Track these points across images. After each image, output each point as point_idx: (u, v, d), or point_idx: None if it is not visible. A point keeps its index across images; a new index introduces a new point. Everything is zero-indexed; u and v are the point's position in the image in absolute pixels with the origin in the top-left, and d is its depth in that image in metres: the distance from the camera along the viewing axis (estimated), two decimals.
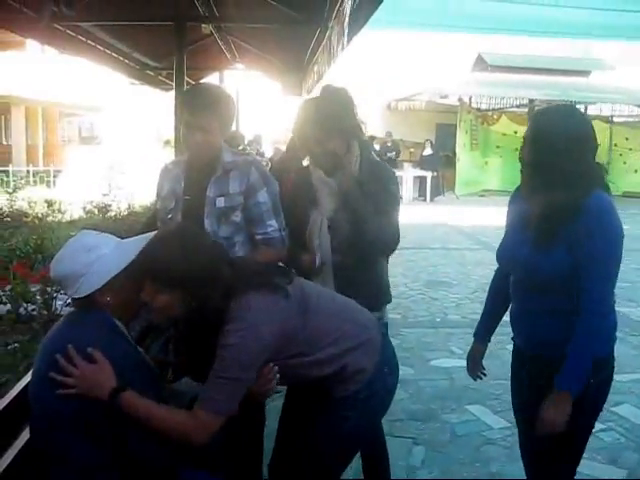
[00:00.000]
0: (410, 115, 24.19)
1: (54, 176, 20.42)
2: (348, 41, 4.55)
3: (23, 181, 18.55)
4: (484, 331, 3.08)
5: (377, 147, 20.70)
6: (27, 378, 2.49)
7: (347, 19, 4.21)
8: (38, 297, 6.25)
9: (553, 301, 2.58)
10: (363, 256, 3.11)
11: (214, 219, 3.11)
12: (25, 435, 2.36)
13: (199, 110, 3.03)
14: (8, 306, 6.27)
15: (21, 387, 2.47)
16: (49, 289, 6.23)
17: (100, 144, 23.12)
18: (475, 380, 3.14)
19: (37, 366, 2.28)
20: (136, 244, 2.37)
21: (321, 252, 3.12)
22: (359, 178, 3.08)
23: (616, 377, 5.63)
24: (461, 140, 22.81)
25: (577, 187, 2.46)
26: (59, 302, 6.24)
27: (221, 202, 3.11)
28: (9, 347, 4.73)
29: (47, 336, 2.36)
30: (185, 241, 2.30)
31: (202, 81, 9.50)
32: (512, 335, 2.84)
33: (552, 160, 2.46)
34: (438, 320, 7.23)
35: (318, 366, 2.48)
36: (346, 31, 4.41)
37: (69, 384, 2.13)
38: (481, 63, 25.51)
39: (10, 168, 19.73)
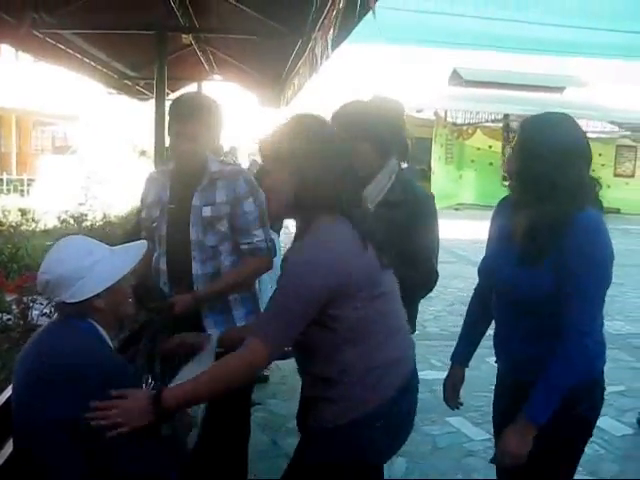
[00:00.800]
0: None
1: (27, 185, 20.21)
2: (332, 52, 4.56)
3: None
4: (463, 355, 2.89)
5: None
6: (8, 391, 2.42)
7: (332, 31, 4.22)
8: (14, 307, 6.17)
9: (536, 322, 2.41)
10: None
11: (200, 228, 3.10)
12: (7, 449, 2.31)
13: (187, 119, 3.03)
14: None
15: (3, 400, 2.40)
16: (25, 299, 6.16)
17: (74, 153, 22.90)
18: (453, 410, 2.94)
19: (23, 379, 2.19)
20: (131, 251, 2.35)
21: None
22: (389, 200, 2.84)
23: None
24: (436, 154, 22.97)
25: (566, 201, 2.31)
26: (35, 312, 6.18)
27: (207, 211, 3.10)
28: None
29: (29, 347, 2.26)
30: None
31: (183, 91, 9.49)
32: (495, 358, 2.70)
33: (539, 171, 2.33)
34: (417, 333, 7.19)
35: (347, 352, 2.21)
36: (329, 43, 4.42)
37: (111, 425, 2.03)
38: (456, 78, 25.71)
39: None
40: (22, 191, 19.45)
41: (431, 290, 2.98)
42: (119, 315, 2.36)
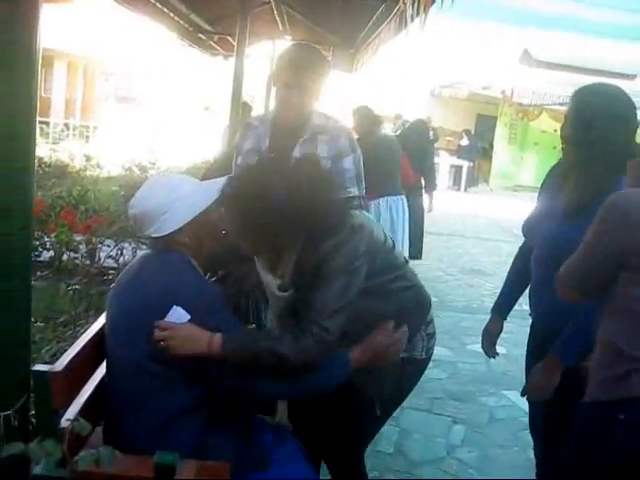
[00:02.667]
0: (452, 103, 24.01)
1: (91, 131, 20.50)
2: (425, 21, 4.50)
3: (64, 134, 18.66)
4: (503, 307, 3.03)
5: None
6: (97, 324, 2.47)
7: None
8: (82, 247, 6.32)
9: None
10: None
11: None
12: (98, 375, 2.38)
13: (301, 69, 2.99)
14: (51, 252, 6.35)
15: (94, 332, 2.45)
16: (94, 239, 6.31)
17: (139, 104, 23.15)
18: (489, 358, 3.11)
19: (120, 311, 2.25)
20: (217, 185, 2.36)
21: None
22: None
23: None
24: (500, 133, 22.66)
25: (613, 165, 2.41)
26: (102, 253, 6.32)
27: None
28: (69, 289, 4.78)
29: (123, 280, 2.33)
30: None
31: (256, 49, 9.48)
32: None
33: (591, 136, 2.45)
34: (475, 306, 7.24)
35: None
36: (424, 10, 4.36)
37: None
38: (527, 58, 25.19)
39: (51, 119, 19.86)
40: (87, 137, 19.74)
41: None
42: (204, 251, 2.38)
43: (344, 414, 2.57)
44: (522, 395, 2.69)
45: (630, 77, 25.53)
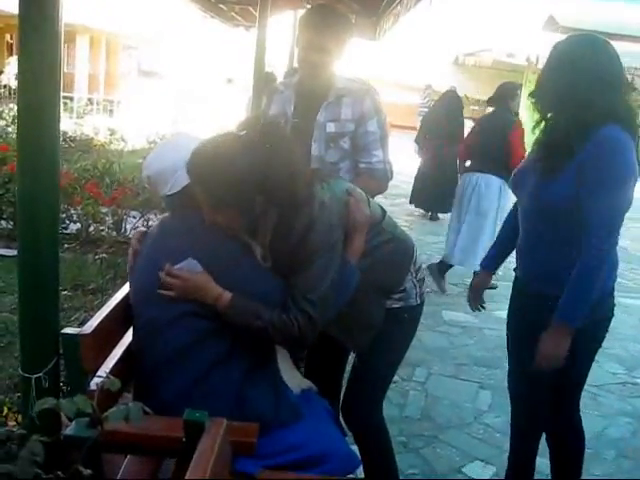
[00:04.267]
0: (476, 72, 23.77)
1: (115, 106, 20.57)
2: None
3: (88, 108, 18.73)
4: (492, 261, 3.05)
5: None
6: (124, 289, 2.50)
7: None
8: (108, 218, 6.38)
9: (555, 232, 2.52)
10: None
11: (322, 143, 3.08)
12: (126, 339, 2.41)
13: (321, 29, 2.96)
14: (78, 225, 6.42)
15: (122, 297, 2.47)
16: (120, 211, 6.36)
17: (161, 78, 23.17)
18: (473, 311, 3.14)
19: (147, 272, 2.26)
20: None
21: None
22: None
23: None
24: (525, 101, 22.41)
25: (587, 117, 2.39)
26: (128, 225, 6.38)
27: (331, 127, 3.07)
28: (96, 257, 4.84)
29: (145, 244, 2.34)
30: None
31: (278, 18, 9.43)
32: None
33: (562, 88, 2.44)
34: (500, 273, 7.18)
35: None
36: None
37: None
38: (552, 23, 24.84)
39: (75, 95, 19.93)
40: (111, 111, 19.80)
41: None
42: None
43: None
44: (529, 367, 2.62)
45: None
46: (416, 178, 10.40)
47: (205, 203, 2.19)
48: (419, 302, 2.64)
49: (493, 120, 6.64)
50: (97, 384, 1.75)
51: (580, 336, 2.48)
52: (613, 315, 2.68)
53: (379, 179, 3.14)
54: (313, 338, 2.26)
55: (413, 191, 10.47)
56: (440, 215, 10.38)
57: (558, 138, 2.47)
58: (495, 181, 6.44)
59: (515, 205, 2.93)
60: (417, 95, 22.06)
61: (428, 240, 8.83)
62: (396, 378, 4.38)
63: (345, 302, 2.33)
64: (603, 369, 5.03)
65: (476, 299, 3.08)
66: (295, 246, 2.23)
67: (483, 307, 3.10)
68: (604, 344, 5.28)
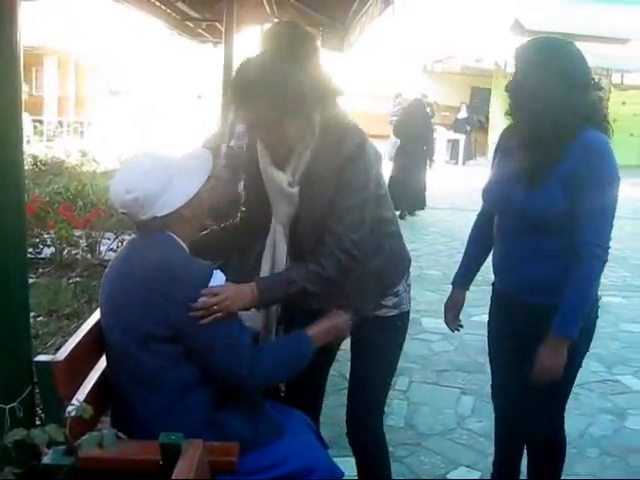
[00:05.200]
0: (445, 78, 23.95)
1: (86, 127, 20.48)
2: None
3: (58, 130, 18.64)
4: (465, 277, 2.97)
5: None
6: (97, 313, 2.46)
7: None
8: (82, 241, 6.33)
9: (546, 242, 2.48)
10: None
11: None
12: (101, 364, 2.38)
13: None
14: (52, 249, 6.36)
15: (95, 321, 2.44)
16: (94, 233, 6.32)
17: (131, 96, 23.05)
18: (453, 332, 3.08)
19: (124, 295, 2.20)
20: (201, 158, 2.35)
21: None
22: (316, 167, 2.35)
23: None
24: (495, 105, 22.56)
25: (564, 123, 2.39)
26: (103, 247, 6.34)
27: None
28: (70, 282, 4.80)
29: (114, 268, 2.30)
30: None
31: (246, 34, 9.42)
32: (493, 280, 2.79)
33: (534, 96, 2.42)
34: (479, 279, 7.22)
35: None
36: None
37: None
38: (518, 27, 25.07)
39: (44, 117, 19.82)
40: (81, 133, 19.71)
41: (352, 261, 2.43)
42: (199, 224, 2.40)
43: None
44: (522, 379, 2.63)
45: (622, 41, 25.46)
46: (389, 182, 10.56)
47: (262, 118, 2.22)
48: (409, 308, 2.65)
49: None
50: (68, 412, 1.73)
51: (574, 344, 2.47)
52: (598, 316, 2.69)
53: None
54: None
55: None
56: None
57: (540, 146, 2.44)
58: None
59: (480, 216, 2.90)
60: (388, 104, 22.15)
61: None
62: None
63: (298, 372, 2.34)
64: (583, 368, 5.01)
65: (454, 319, 3.01)
66: (342, 167, 2.26)
67: (461, 327, 3.04)
68: None
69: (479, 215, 2.92)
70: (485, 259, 2.92)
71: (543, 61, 2.43)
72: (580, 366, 2.71)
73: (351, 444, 2.79)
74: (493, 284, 2.83)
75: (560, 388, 2.67)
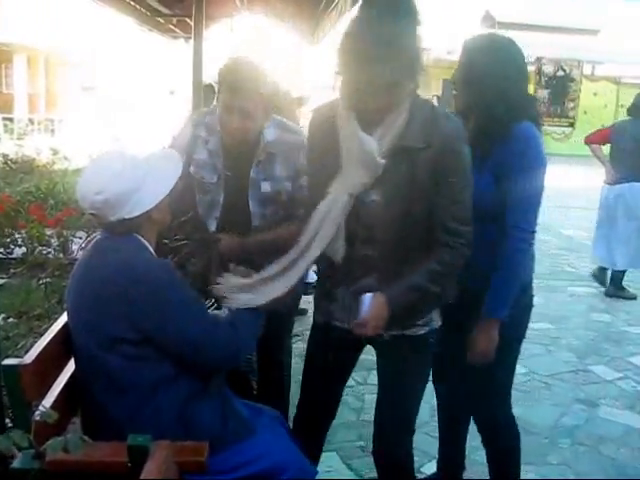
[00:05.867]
0: None
1: (57, 124, 20.28)
2: None
3: (29, 128, 18.45)
4: None
5: None
6: (65, 315, 2.45)
7: None
8: (53, 240, 6.27)
9: (487, 230, 2.47)
10: (410, 250, 2.31)
11: (260, 201, 2.94)
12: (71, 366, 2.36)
13: (242, 91, 2.75)
14: (23, 249, 6.30)
15: (63, 322, 2.42)
16: (65, 232, 6.25)
17: (103, 93, 22.92)
18: None
19: (87, 296, 2.19)
20: (170, 160, 2.33)
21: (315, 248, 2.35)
22: (407, 140, 2.21)
23: (630, 329, 5.86)
24: None
25: (499, 115, 2.49)
26: (75, 246, 6.28)
27: (267, 186, 2.90)
28: (40, 283, 4.76)
29: (79, 269, 2.27)
30: None
31: (217, 28, 9.38)
32: None
33: (470, 87, 2.55)
34: None
35: None
36: None
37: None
38: (489, 19, 25.23)
39: (14, 116, 19.61)
40: (52, 130, 19.51)
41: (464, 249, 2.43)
42: (163, 225, 2.37)
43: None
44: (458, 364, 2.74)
45: (593, 33, 25.71)
46: None
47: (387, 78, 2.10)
48: (439, 323, 2.50)
49: (635, 129, 6.79)
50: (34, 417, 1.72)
51: (505, 328, 2.53)
52: (533, 306, 2.76)
53: None
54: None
55: None
56: None
57: (476, 136, 2.49)
58: None
59: None
60: None
61: None
62: (352, 382, 4.40)
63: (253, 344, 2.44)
64: (555, 358, 5.12)
65: None
66: (429, 159, 2.21)
67: None
68: (556, 334, 5.39)
69: None
70: None
71: (483, 56, 2.54)
72: (518, 353, 2.77)
73: (379, 463, 2.65)
74: None
75: (497, 374, 2.71)
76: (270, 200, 2.94)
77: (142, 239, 2.24)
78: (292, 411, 3.40)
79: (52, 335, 2.28)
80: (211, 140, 2.96)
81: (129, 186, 2.16)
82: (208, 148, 2.95)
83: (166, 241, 2.83)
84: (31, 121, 20.43)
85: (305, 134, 2.81)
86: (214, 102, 8.46)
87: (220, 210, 2.98)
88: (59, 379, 2.28)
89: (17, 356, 2.90)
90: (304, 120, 7.73)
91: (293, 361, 3.76)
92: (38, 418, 1.62)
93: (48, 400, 2.12)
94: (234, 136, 2.83)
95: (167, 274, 2.18)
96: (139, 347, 2.13)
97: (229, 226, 2.93)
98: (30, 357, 2.07)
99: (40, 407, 1.81)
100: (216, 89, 8.74)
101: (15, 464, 1.83)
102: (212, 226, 3.00)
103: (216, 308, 2.58)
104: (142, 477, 1.46)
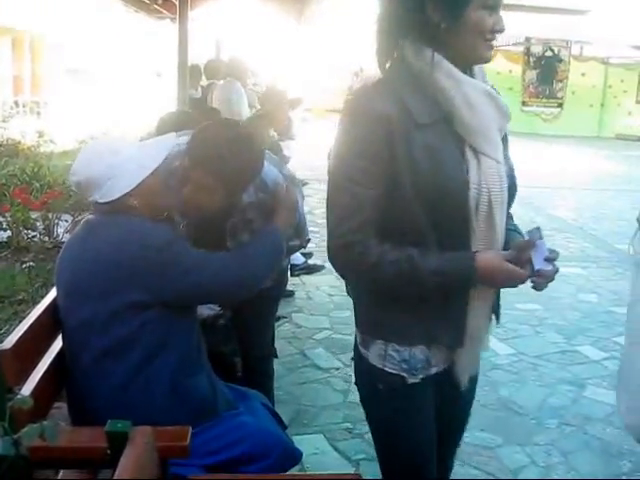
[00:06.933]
0: None
1: (42, 107, 20.11)
2: None
3: (14, 111, 18.27)
4: None
5: None
6: (48, 298, 2.42)
7: None
8: (39, 224, 6.22)
9: None
10: None
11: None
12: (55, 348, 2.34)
13: (203, 166, 2.46)
14: (8, 232, 6.24)
15: (45, 306, 2.40)
16: (50, 215, 6.20)
17: (89, 75, 22.72)
18: None
19: (82, 273, 2.18)
20: (160, 146, 2.32)
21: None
22: None
23: (617, 309, 5.84)
24: None
25: None
26: (60, 229, 6.23)
27: (246, 238, 2.70)
28: (24, 266, 4.72)
29: (70, 248, 2.27)
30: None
31: (202, 10, 9.29)
32: None
33: None
34: None
35: None
36: None
37: None
38: None
39: None
40: (38, 113, 19.33)
41: None
42: (157, 210, 2.32)
43: None
44: None
45: (582, 12, 25.62)
46: None
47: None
48: None
49: None
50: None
51: None
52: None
53: (293, 253, 3.20)
54: None
55: None
56: None
57: None
58: None
59: None
60: (348, 78, 22.11)
61: None
62: (339, 364, 4.40)
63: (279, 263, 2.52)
64: (543, 339, 5.12)
65: None
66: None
67: None
68: (544, 314, 5.39)
69: None
70: None
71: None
72: None
73: None
74: None
75: None
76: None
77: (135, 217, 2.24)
78: (277, 393, 3.41)
79: (34, 318, 2.25)
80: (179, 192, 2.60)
81: (101, 173, 2.19)
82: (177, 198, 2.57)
83: None
84: (16, 103, 20.22)
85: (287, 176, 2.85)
86: (200, 83, 8.40)
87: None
88: (42, 362, 2.26)
89: (1, 341, 2.88)
90: (298, 122, 7.70)
91: (279, 343, 3.76)
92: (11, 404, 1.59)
93: (29, 385, 2.10)
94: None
95: (166, 232, 2.21)
96: (147, 311, 2.14)
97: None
98: (10, 342, 2.04)
99: (17, 394, 1.78)
100: (202, 69, 8.71)
101: None
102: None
103: None
104: (120, 465, 1.44)
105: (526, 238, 1.81)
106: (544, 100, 24.50)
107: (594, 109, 24.82)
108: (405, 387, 1.86)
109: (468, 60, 1.78)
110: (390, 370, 1.84)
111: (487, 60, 1.79)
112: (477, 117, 1.75)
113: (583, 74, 24.47)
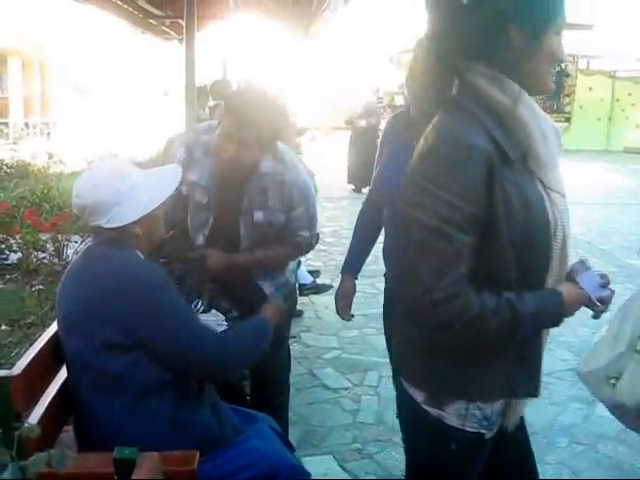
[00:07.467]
0: None
1: (52, 127, 20.24)
2: None
3: (24, 132, 18.41)
4: (354, 265, 3.05)
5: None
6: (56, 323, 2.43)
7: None
8: (49, 245, 6.24)
9: None
10: None
11: (250, 228, 2.89)
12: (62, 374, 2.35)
13: (248, 124, 2.61)
14: (19, 254, 6.27)
15: (53, 331, 2.41)
16: (60, 237, 6.23)
17: (98, 95, 22.86)
18: (347, 321, 3.13)
19: (79, 302, 2.17)
20: (167, 177, 2.32)
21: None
22: None
23: None
24: None
25: None
26: (70, 250, 6.25)
27: (260, 216, 2.85)
28: (33, 289, 4.73)
29: (70, 276, 2.26)
30: None
31: (209, 30, 9.38)
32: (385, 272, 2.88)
33: None
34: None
35: None
36: None
37: None
38: None
39: (9, 120, 19.56)
40: (48, 134, 19.46)
41: None
42: (153, 240, 2.34)
43: None
44: None
45: (588, 27, 25.64)
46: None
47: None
48: None
49: None
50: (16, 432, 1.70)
51: None
52: None
53: (301, 250, 3.12)
54: None
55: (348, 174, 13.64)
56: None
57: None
58: None
59: (365, 204, 3.06)
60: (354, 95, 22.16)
61: None
62: (348, 384, 4.39)
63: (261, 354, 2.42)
64: (554, 356, 5.09)
65: (346, 307, 3.04)
66: None
67: (353, 316, 3.10)
68: (556, 331, 5.38)
69: (364, 203, 3.07)
70: (371, 248, 3.05)
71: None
72: None
73: None
74: (385, 275, 2.96)
75: None
76: (261, 229, 2.90)
77: (134, 248, 2.24)
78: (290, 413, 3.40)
79: (43, 343, 2.26)
80: (207, 162, 2.85)
81: (109, 198, 2.16)
82: (202, 169, 2.85)
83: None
84: (26, 125, 20.38)
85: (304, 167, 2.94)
86: (208, 104, 8.41)
87: (209, 228, 2.93)
88: (51, 387, 2.27)
89: (12, 365, 2.89)
90: (306, 141, 7.73)
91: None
92: (19, 434, 1.60)
93: (38, 410, 2.11)
94: (225, 162, 2.72)
95: (157, 277, 2.18)
96: (131, 352, 2.11)
97: (217, 243, 2.90)
98: (19, 368, 2.05)
99: (25, 421, 1.79)
100: (208, 90, 8.73)
101: (5, 475, 1.82)
102: (200, 241, 2.95)
103: (203, 311, 2.58)
104: None
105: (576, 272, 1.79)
106: (552, 115, 24.43)
107: (602, 123, 24.80)
108: (482, 442, 1.81)
109: (533, 89, 1.68)
110: (470, 429, 1.77)
111: (550, 91, 1.71)
112: (549, 152, 1.69)
113: (590, 88, 24.46)
